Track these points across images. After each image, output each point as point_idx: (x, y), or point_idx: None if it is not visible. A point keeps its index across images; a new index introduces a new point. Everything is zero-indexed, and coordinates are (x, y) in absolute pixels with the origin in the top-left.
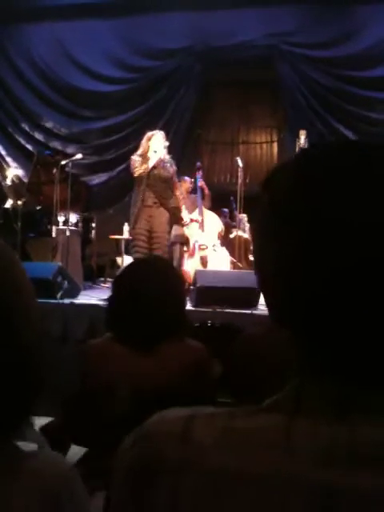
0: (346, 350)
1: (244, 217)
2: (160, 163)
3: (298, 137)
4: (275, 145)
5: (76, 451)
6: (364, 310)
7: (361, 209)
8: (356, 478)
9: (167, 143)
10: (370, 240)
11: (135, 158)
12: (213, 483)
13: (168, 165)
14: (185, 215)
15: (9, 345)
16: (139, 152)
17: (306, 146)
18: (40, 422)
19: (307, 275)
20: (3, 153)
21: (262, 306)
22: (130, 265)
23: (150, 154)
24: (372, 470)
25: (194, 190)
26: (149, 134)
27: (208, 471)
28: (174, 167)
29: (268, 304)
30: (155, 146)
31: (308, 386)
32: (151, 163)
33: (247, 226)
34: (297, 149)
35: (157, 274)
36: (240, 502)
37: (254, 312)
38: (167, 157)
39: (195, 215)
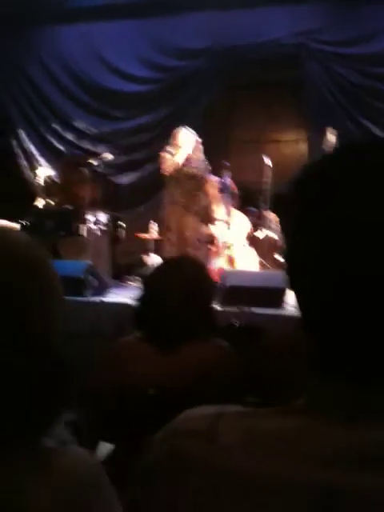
0: (354, 352)
1: (272, 216)
2: (188, 161)
3: (326, 135)
4: (303, 144)
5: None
6: (374, 312)
7: (372, 209)
8: (359, 479)
9: (198, 139)
10: (380, 241)
11: (163, 155)
12: (234, 485)
13: (199, 162)
14: (217, 214)
15: (39, 343)
16: (167, 149)
17: (335, 144)
18: (68, 417)
19: (317, 273)
20: (35, 153)
21: (290, 306)
22: (160, 264)
23: (175, 151)
24: (375, 471)
25: (221, 190)
26: (175, 130)
27: (230, 473)
28: (206, 165)
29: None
30: (181, 142)
31: (319, 388)
32: (177, 160)
33: (274, 225)
34: (326, 147)
35: (185, 274)
36: (244, 503)
37: (282, 312)
38: (199, 154)
39: (223, 215)
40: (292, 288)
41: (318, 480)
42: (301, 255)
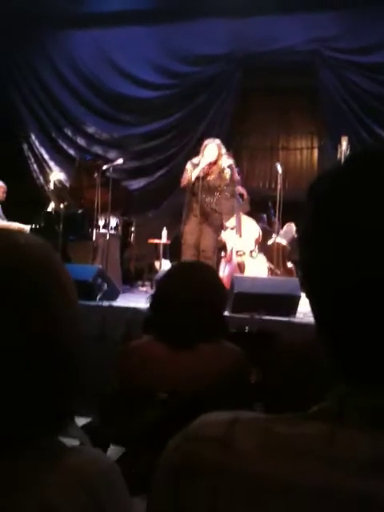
0: (374, 357)
1: (291, 224)
2: (209, 173)
3: (339, 143)
4: (315, 151)
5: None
6: None
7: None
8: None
9: (223, 151)
10: None
11: (187, 168)
12: (251, 489)
13: (224, 172)
14: (229, 222)
15: (52, 341)
16: (194, 160)
17: (348, 152)
18: (78, 421)
19: (333, 280)
20: (46, 157)
21: (300, 314)
22: (173, 267)
23: (199, 163)
24: None
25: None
26: (205, 142)
27: (247, 476)
28: (235, 175)
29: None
30: (206, 154)
31: (350, 396)
32: (195, 174)
33: (285, 232)
34: (338, 155)
35: (197, 278)
36: (260, 508)
37: (292, 319)
38: (225, 164)
39: (232, 222)
40: (308, 294)
41: (357, 489)
42: (316, 263)
